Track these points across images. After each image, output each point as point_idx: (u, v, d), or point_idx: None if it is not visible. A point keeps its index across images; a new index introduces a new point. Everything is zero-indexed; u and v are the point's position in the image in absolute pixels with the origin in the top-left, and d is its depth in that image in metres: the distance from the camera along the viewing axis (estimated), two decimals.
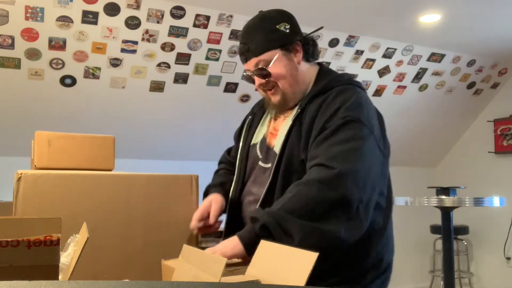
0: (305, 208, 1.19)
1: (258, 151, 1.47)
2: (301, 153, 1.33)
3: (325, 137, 1.28)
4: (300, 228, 1.16)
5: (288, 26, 1.41)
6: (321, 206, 1.19)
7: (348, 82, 1.41)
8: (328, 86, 1.38)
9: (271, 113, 1.52)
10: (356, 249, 1.30)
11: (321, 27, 1.57)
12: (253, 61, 1.40)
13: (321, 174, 1.22)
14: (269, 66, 1.38)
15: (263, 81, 1.41)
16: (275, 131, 1.45)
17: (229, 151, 1.72)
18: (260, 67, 1.39)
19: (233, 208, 1.47)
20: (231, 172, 1.60)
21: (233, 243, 1.21)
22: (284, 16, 1.43)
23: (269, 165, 1.40)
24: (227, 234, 1.41)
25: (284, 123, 1.43)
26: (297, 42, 1.41)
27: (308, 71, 1.45)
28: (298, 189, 1.23)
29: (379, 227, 1.36)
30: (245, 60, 1.43)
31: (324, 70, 1.47)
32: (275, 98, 1.43)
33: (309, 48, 1.44)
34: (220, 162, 1.71)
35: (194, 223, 1.38)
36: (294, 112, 1.41)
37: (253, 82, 1.45)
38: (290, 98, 1.43)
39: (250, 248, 1.16)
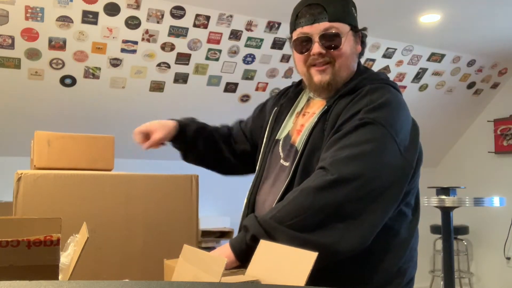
0: (297, 218, 1.10)
1: (280, 148, 1.37)
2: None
3: (337, 138, 1.19)
4: (290, 240, 1.06)
5: (356, 15, 1.34)
6: (316, 215, 1.09)
7: (383, 82, 1.30)
8: (360, 84, 1.28)
9: (300, 107, 1.41)
10: (373, 260, 1.22)
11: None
12: (323, 25, 1.27)
13: (318, 181, 1.12)
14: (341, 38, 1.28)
15: (323, 51, 1.28)
16: (301, 127, 1.34)
17: (240, 121, 1.66)
18: (332, 32, 1.27)
19: (250, 207, 1.38)
20: (215, 129, 1.63)
21: (225, 253, 1.15)
22: (354, 4, 1.36)
23: (289, 163, 1.30)
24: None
25: (311, 120, 1.32)
26: (360, 32, 1.35)
27: (355, 64, 1.36)
28: (294, 196, 1.14)
29: (403, 239, 1.28)
30: (312, 21, 1.28)
31: (361, 69, 1.38)
32: (323, 78, 1.30)
33: (364, 44, 1.37)
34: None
35: (138, 136, 1.51)
36: (321, 108, 1.31)
37: (305, 50, 1.30)
38: (339, 82, 1.31)
39: (242, 258, 1.12)
